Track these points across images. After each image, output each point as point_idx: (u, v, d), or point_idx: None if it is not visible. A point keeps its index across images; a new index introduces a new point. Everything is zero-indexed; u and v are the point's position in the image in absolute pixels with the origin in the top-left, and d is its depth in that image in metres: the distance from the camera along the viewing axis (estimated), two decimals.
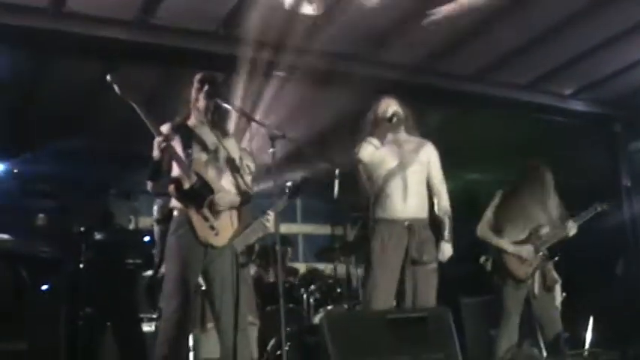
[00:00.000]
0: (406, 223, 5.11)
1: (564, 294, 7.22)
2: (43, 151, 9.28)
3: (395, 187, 5.17)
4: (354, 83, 7.93)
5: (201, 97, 4.86)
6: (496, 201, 6.45)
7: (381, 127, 5.26)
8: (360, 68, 8.04)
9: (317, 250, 8.62)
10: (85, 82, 8.22)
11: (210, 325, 5.60)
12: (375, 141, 5.21)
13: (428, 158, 5.42)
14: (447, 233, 5.33)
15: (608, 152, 10.36)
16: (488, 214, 6.44)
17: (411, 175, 5.23)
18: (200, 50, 7.35)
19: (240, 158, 5.06)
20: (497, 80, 9.06)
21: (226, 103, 4.89)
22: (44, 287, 7.12)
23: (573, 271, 7.28)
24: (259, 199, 5.49)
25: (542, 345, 6.17)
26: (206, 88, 4.85)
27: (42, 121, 9.05)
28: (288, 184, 5.51)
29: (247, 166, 5.45)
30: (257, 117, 6.58)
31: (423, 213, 5.28)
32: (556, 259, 6.34)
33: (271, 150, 4.60)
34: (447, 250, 5.32)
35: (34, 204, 8.51)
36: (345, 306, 6.97)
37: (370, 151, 5.20)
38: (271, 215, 5.37)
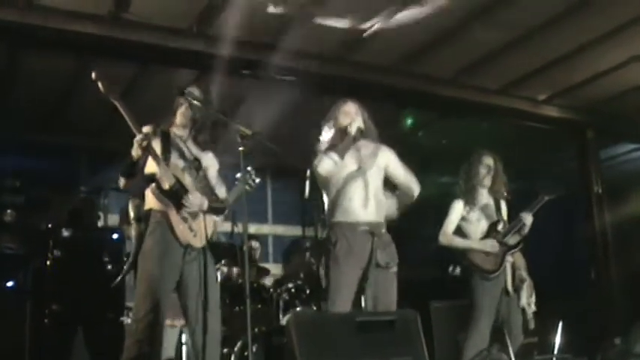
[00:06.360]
0: (367, 228, 5.03)
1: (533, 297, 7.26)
2: (12, 146, 9.20)
3: (356, 191, 5.09)
4: (328, 84, 7.93)
5: (180, 113, 4.93)
6: (456, 213, 6.43)
7: (345, 142, 5.13)
8: (334, 69, 8.02)
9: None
10: (58, 77, 8.16)
11: (168, 321, 5.53)
12: (335, 157, 5.10)
13: (386, 162, 5.32)
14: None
15: (580, 159, 10.41)
16: (450, 226, 6.41)
17: (370, 179, 5.15)
18: (173, 47, 7.30)
19: (217, 172, 5.10)
20: (470, 85, 9.07)
21: (205, 115, 4.92)
22: (9, 284, 7.03)
23: (543, 276, 7.30)
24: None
25: (510, 350, 6.17)
26: (186, 105, 4.89)
27: (13, 116, 8.96)
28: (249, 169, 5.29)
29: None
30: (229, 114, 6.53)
31: (381, 217, 5.19)
32: (520, 246, 6.36)
33: (241, 148, 4.57)
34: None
35: (2, 199, 8.39)
36: (314, 307, 6.93)
37: (329, 167, 5.09)
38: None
